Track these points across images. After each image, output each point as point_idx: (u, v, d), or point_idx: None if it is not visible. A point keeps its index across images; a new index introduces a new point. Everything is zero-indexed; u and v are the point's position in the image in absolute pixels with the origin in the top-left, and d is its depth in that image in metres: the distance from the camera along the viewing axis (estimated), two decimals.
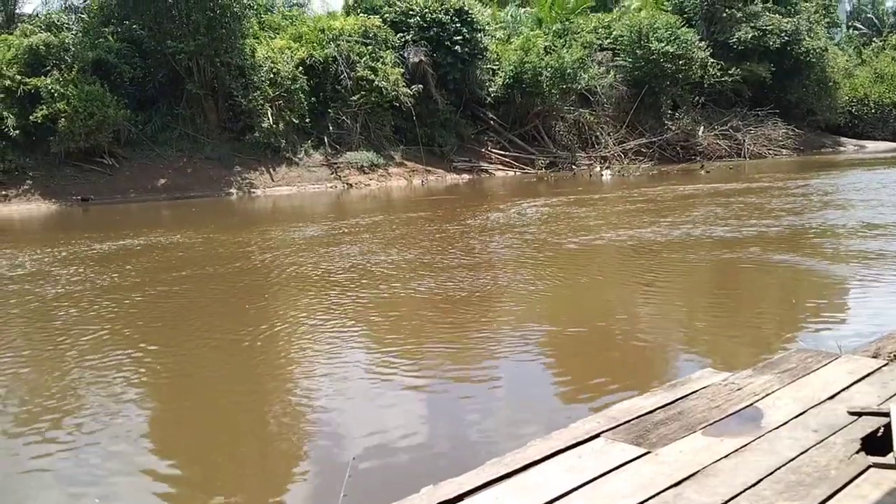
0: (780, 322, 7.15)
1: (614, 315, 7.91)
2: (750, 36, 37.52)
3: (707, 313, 7.83)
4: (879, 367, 3.72)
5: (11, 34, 27.72)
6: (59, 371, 6.43)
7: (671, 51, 34.65)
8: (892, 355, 4.17)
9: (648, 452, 2.88)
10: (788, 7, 39.29)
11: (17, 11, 31.08)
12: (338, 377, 5.98)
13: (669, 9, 38.56)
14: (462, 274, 9.88)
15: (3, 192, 25.80)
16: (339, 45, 30.47)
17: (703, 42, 36.61)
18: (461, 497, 2.62)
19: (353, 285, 9.53)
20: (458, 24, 31.59)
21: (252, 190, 27.89)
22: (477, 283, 9.39)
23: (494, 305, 8.44)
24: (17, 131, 25.68)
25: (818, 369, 3.75)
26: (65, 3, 30.71)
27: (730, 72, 37.10)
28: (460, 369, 6.04)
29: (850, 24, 61.15)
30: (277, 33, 31.73)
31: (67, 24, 28.75)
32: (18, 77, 26.06)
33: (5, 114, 25.74)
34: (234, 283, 10.45)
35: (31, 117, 25.58)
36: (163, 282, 10.54)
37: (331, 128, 30.63)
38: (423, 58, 31.26)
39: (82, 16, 29.46)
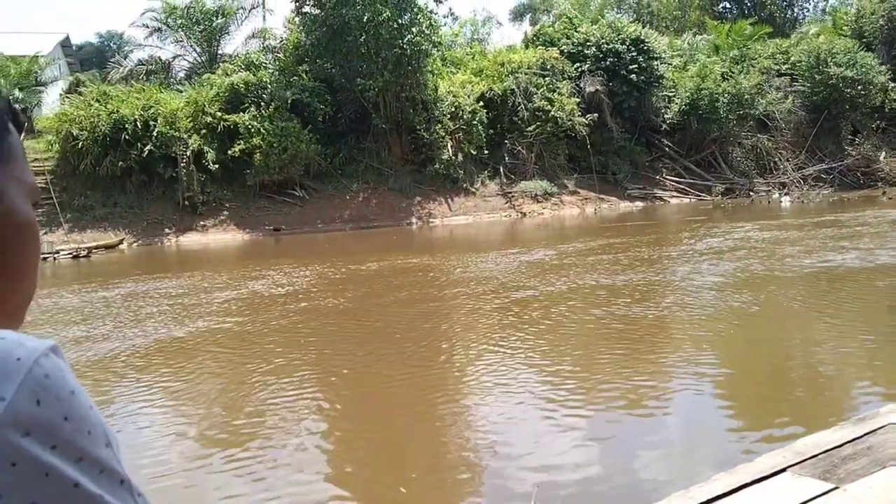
0: None
1: (791, 346, 7.74)
2: None
3: (887, 343, 7.44)
4: None
5: (214, 73, 29.52)
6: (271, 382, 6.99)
7: (850, 75, 33.55)
8: None
9: (836, 488, 2.80)
10: None
11: (220, 52, 33.06)
12: (517, 406, 5.99)
13: (848, 33, 37.37)
14: (656, 300, 10.02)
15: (202, 223, 27.35)
16: (517, 77, 31.05)
17: (884, 66, 35.18)
18: None
19: (548, 311, 9.71)
20: (635, 53, 31.72)
21: (431, 220, 28.57)
22: (668, 309, 9.48)
23: (681, 334, 8.40)
24: (217, 165, 27.15)
25: None
26: (262, 44, 32.52)
27: None
28: (643, 399, 5.98)
29: None
30: (459, 68, 32.59)
31: (265, 63, 30.33)
32: (219, 114, 27.73)
33: (206, 149, 27.30)
34: (441, 304, 10.98)
35: (228, 152, 27.12)
36: (377, 306, 11.31)
37: (506, 158, 31.13)
38: (598, 87, 31.42)
39: (279, 55, 31.07)
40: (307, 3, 29.27)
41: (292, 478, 4.80)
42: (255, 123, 27.41)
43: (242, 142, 27.26)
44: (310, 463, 5.08)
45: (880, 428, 3.42)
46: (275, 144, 27.14)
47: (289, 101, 27.99)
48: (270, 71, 29.50)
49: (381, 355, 8.19)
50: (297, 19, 29.83)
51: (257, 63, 29.78)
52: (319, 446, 5.45)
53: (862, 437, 3.33)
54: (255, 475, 4.89)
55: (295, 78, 29.03)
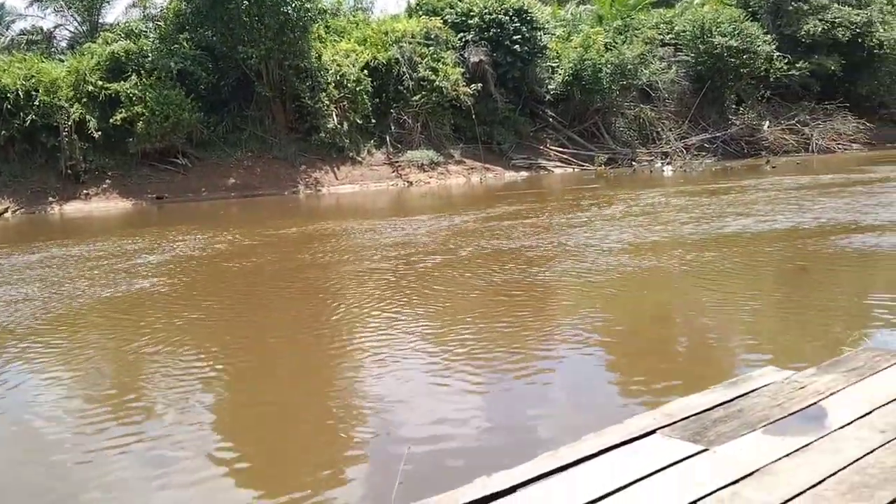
0: (849, 318, 6.90)
1: (672, 311, 7.88)
2: (818, 29, 36.83)
3: (774, 307, 7.61)
4: None
5: (95, 42, 29.51)
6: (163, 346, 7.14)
7: (735, 45, 34.36)
8: None
9: (706, 450, 2.82)
10: None
11: (100, 21, 32.93)
12: (397, 368, 6.08)
13: (733, 3, 38.03)
14: (551, 265, 10.13)
15: (85, 191, 27.56)
16: (401, 46, 31.41)
17: (769, 35, 36.00)
18: (513, 489, 2.61)
19: (450, 276, 9.86)
20: (518, 24, 32.11)
21: (318, 188, 29.02)
22: (563, 273, 9.56)
23: (572, 298, 8.53)
24: (99, 133, 27.29)
25: (887, 368, 3.60)
26: (143, 12, 32.42)
27: (797, 65, 36.41)
28: (518, 361, 6.07)
29: None
30: (343, 37, 32.83)
31: (145, 31, 30.32)
32: (100, 83, 27.75)
33: (88, 117, 27.37)
34: (354, 269, 11.06)
35: (110, 120, 27.25)
36: (290, 270, 11.54)
37: (392, 127, 31.59)
38: (482, 57, 31.88)
39: (159, 23, 31.02)
40: None
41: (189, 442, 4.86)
42: (137, 92, 27.49)
43: (124, 110, 27.33)
44: (201, 429, 5.12)
45: (752, 391, 3.44)
46: (157, 112, 27.23)
47: (174, 71, 28.11)
48: (151, 39, 29.49)
49: (291, 319, 8.46)
50: None
51: (137, 32, 29.72)
52: (210, 409, 5.54)
53: (733, 400, 3.34)
54: (142, 438, 4.97)
55: (176, 46, 29.07)
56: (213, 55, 29.62)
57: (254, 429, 5.19)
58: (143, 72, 27.94)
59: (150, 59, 28.33)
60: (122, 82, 27.73)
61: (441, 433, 4.74)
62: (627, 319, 7.57)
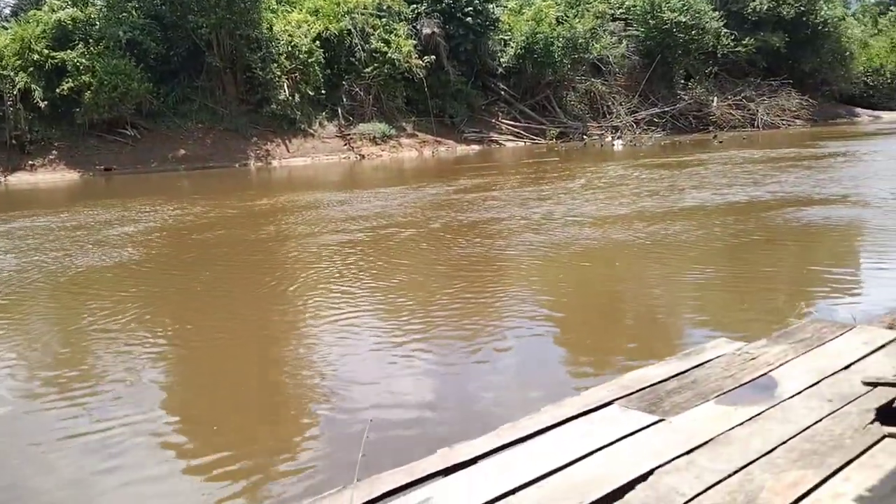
0: (799, 290, 7.01)
1: (628, 284, 7.92)
2: (764, 6, 37.61)
3: (727, 280, 7.69)
4: (894, 338, 3.68)
5: (40, 10, 28.79)
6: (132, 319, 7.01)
7: (684, 20, 34.97)
8: None
9: (661, 420, 2.88)
10: None
11: None
12: (364, 343, 6.08)
13: None
14: (510, 238, 10.21)
15: (30, 163, 27.11)
16: (353, 18, 31.24)
17: (717, 12, 36.76)
18: (475, 460, 2.67)
19: (402, 251, 9.91)
20: None
21: (269, 161, 28.85)
22: (519, 247, 9.59)
23: (528, 272, 8.54)
24: (45, 103, 26.74)
25: (833, 339, 3.72)
26: None
27: (743, 42, 37.25)
28: (481, 335, 6.08)
29: None
30: (294, 7, 32.49)
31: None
32: (46, 51, 27.17)
33: (33, 87, 26.80)
34: (326, 239, 10.98)
35: (57, 90, 26.73)
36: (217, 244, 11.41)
37: (344, 99, 31.51)
38: (435, 29, 31.90)
39: None
40: None
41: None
42: (84, 61, 27.03)
43: (71, 80, 26.88)
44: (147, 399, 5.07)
45: (705, 362, 3.52)
46: (105, 82, 26.81)
47: (123, 40, 27.57)
48: (98, 7, 28.91)
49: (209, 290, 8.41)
50: None
51: None
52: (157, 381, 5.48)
53: (687, 371, 3.41)
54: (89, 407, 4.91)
55: (124, 14, 28.55)
56: (163, 24, 29.18)
57: (219, 404, 5.16)
58: (90, 41, 27.50)
59: (97, 27, 27.89)
60: (69, 51, 27.26)
61: (404, 406, 4.76)
62: (588, 293, 7.61)
